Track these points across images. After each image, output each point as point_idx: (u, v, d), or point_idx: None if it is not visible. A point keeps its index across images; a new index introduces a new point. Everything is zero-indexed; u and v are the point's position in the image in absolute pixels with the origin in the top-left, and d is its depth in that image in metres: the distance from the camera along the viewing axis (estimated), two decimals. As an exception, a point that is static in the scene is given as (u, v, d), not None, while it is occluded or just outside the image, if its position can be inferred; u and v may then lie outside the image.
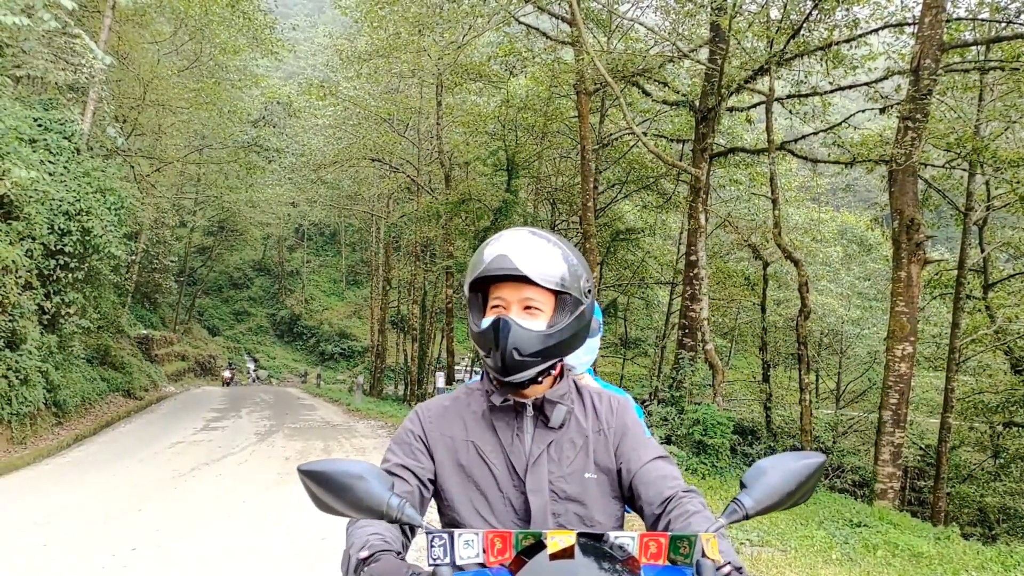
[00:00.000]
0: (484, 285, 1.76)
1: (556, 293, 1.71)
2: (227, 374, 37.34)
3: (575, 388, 1.86)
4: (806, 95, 16.78)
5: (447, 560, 1.36)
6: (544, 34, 19.89)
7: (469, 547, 1.38)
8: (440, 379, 17.81)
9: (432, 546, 1.37)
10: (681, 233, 27.68)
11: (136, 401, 21.19)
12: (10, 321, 12.37)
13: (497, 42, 22.50)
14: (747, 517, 1.50)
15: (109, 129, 15.55)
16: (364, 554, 1.47)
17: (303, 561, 6.23)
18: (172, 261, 41.34)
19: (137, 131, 26.92)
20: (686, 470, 12.85)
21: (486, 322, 1.70)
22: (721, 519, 1.48)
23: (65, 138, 14.57)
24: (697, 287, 15.77)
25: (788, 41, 14.74)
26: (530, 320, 1.69)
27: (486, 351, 1.71)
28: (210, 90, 26.02)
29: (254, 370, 45.92)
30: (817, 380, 32.36)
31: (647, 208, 27.82)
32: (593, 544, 1.44)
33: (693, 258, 15.99)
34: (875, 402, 22.88)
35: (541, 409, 1.77)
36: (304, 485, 1.46)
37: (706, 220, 16.61)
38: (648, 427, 1.98)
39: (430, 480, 1.76)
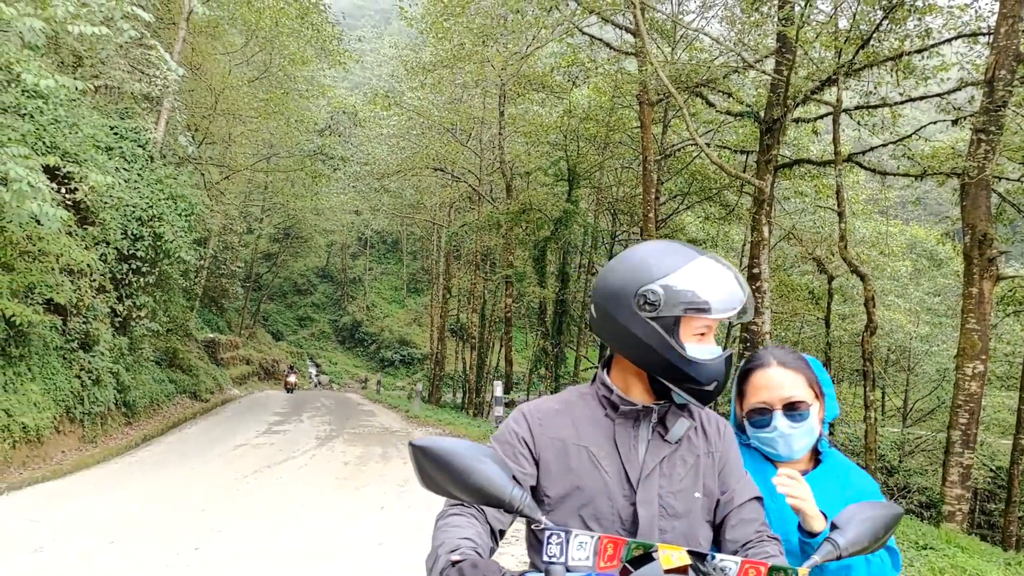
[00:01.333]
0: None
1: None
2: (291, 379, 34.46)
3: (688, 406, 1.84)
4: (875, 106, 16.39)
5: (562, 559, 1.36)
6: (608, 44, 19.86)
7: (582, 549, 1.37)
8: (498, 388, 17.80)
9: (548, 543, 1.36)
10: (744, 245, 27.30)
11: (202, 403, 21.68)
12: (84, 323, 12.79)
13: (560, 53, 22.53)
14: (840, 558, 1.54)
15: (180, 138, 16.00)
16: (456, 557, 1.43)
17: (361, 565, 6.29)
18: (239, 267, 42.26)
19: (208, 140, 27.64)
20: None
21: (711, 352, 1.70)
22: (816, 556, 1.52)
23: (139, 146, 15.03)
24: (759, 300, 15.51)
25: (857, 51, 14.44)
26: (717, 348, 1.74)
27: (707, 381, 1.69)
28: (278, 100, 26.59)
29: (316, 375, 46.61)
30: (883, 397, 31.53)
31: (709, 220, 27.51)
32: (700, 565, 1.44)
33: (756, 271, 15.74)
34: (944, 421, 22.16)
35: (663, 419, 1.76)
36: (415, 461, 1.43)
37: (769, 232, 16.34)
38: None
39: (531, 486, 1.73)
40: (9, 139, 8.62)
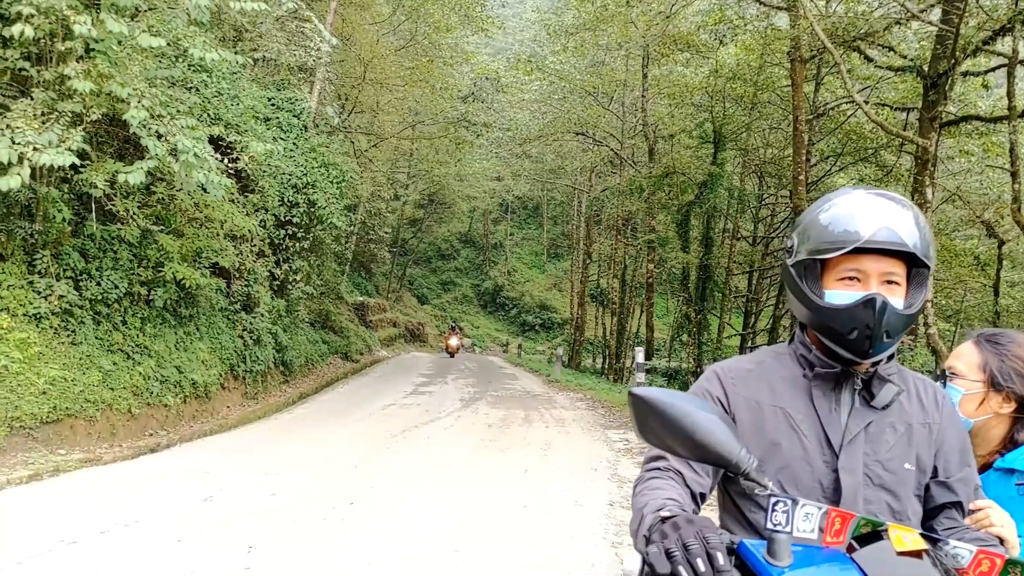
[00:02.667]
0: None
1: (911, 265, 1.58)
2: (453, 341, 31.71)
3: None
4: (1057, 56, 15.02)
5: (787, 528, 1.31)
6: (758, 0, 19.03)
7: (807, 520, 1.32)
8: (639, 354, 17.63)
9: (774, 510, 1.32)
10: (903, 208, 25.81)
11: (352, 364, 22.59)
12: (246, 286, 13.52)
13: (707, 10, 21.81)
14: None
15: (328, 108, 16.50)
16: (666, 513, 1.37)
17: (505, 526, 6.39)
18: (386, 232, 43.57)
19: (357, 109, 28.47)
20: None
21: (849, 297, 1.55)
22: None
23: (295, 116, 15.65)
24: (921, 267, 14.63)
25: (1039, -4, 13.24)
26: (892, 297, 1.55)
27: (846, 330, 1.55)
28: (424, 68, 27.07)
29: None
30: (1058, 372, 29.24)
31: (864, 181, 26.14)
32: (935, 550, 1.36)
33: (917, 236, 14.83)
34: None
35: (868, 384, 1.63)
36: (635, 410, 1.39)
37: (932, 194, 15.34)
38: None
39: None
40: (178, 111, 9.13)
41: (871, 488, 1.59)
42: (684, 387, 21.06)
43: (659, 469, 1.60)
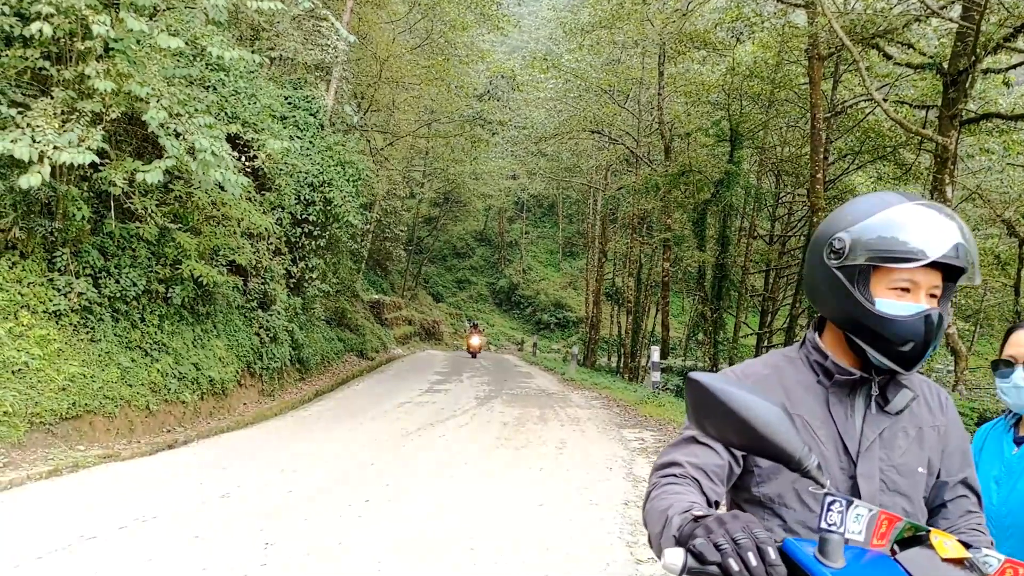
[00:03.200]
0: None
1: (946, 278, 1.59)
2: (476, 340, 30.24)
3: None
4: (1080, 53, 14.88)
5: (841, 528, 1.29)
6: (775, -3, 18.94)
7: (857, 521, 1.30)
8: (655, 353, 17.60)
9: (829, 510, 1.29)
10: (922, 207, 25.64)
11: (368, 361, 22.66)
12: (262, 284, 13.60)
13: (724, 8, 21.72)
14: None
15: (346, 107, 16.55)
16: (699, 513, 1.32)
17: (520, 524, 6.40)
18: (402, 231, 43.67)
19: (373, 107, 28.56)
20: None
21: (905, 308, 1.54)
22: None
23: (311, 114, 15.71)
24: (940, 267, 14.53)
25: (1061, -7, 13.11)
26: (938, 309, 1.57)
27: (901, 341, 1.55)
28: (439, 66, 27.10)
29: (475, 336, 47.73)
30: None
31: (882, 180, 25.97)
32: (972, 559, 1.36)
33: (936, 235, 14.72)
34: None
35: (884, 390, 1.64)
36: (692, 396, 1.36)
37: (952, 193, 15.22)
38: None
39: (743, 455, 1.65)
40: (196, 110, 9.18)
41: (887, 494, 1.60)
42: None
43: (675, 476, 1.57)
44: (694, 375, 1.34)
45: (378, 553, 5.45)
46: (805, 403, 1.65)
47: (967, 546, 1.35)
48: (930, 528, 1.34)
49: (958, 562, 1.29)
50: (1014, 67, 17.75)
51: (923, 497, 1.66)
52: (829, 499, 1.29)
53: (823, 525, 1.28)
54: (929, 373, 14.77)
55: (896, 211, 1.55)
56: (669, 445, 1.68)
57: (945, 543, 1.30)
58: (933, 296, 1.56)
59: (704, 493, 1.54)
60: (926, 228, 1.51)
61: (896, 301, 1.55)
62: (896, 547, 1.33)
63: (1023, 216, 21.63)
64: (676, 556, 1.25)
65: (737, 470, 1.64)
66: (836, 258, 1.59)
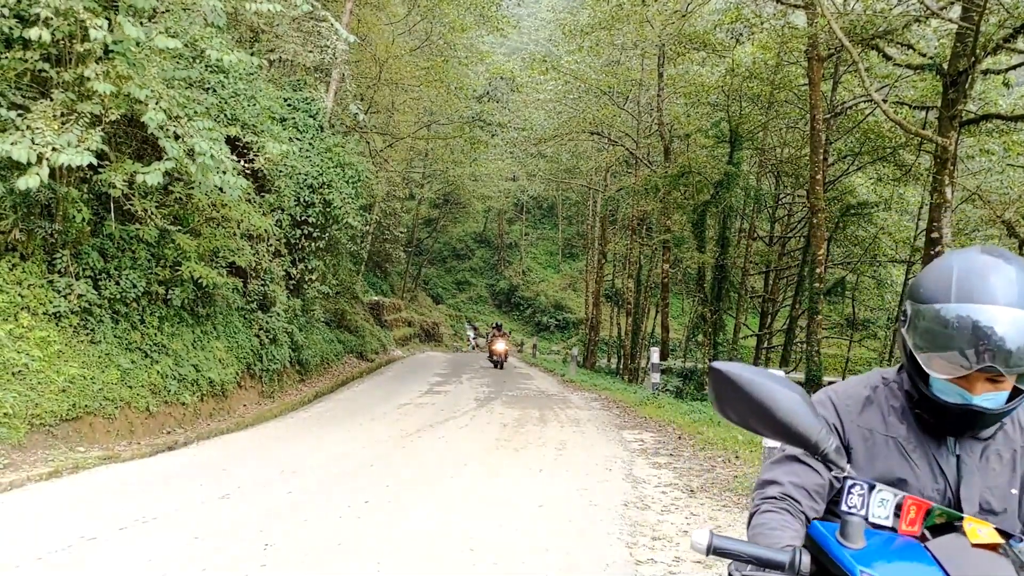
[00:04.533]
0: None
1: None
2: (500, 346, 25.57)
3: None
4: (1079, 54, 14.90)
5: (862, 512, 1.32)
6: (774, -2, 18.97)
7: (883, 506, 1.33)
8: (655, 354, 17.60)
9: (850, 493, 1.34)
10: (921, 208, 25.71)
11: (368, 363, 22.67)
12: (262, 285, 13.61)
13: (723, 9, 21.75)
14: None
15: (351, 106, 16.56)
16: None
17: (520, 525, 6.40)
18: (401, 232, 43.67)
19: (372, 109, 28.57)
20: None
21: (953, 394, 1.54)
22: None
23: (311, 116, 15.72)
24: (939, 267, 14.53)
25: (1060, -6, 13.12)
26: (995, 393, 1.54)
27: (946, 418, 1.59)
28: (439, 68, 27.11)
29: (474, 338, 47.71)
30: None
31: (882, 181, 26.01)
32: (1011, 546, 1.37)
33: (935, 235, 14.73)
34: None
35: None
36: (715, 385, 1.40)
37: (952, 194, 15.23)
38: None
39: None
40: (196, 112, 9.20)
41: (983, 515, 1.61)
42: (699, 388, 21.01)
43: (773, 499, 1.59)
44: (717, 364, 1.39)
45: (378, 554, 5.45)
46: (900, 427, 1.68)
47: (1006, 535, 1.36)
48: (964, 515, 1.34)
49: (992, 547, 1.30)
50: (1014, 68, 17.77)
51: (1018, 518, 1.67)
52: (850, 483, 1.32)
53: (844, 508, 1.32)
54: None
55: (948, 310, 1.49)
56: (770, 462, 1.70)
57: (979, 530, 1.32)
58: (995, 381, 1.52)
59: (803, 512, 1.57)
60: (974, 334, 1.45)
61: (949, 384, 1.54)
62: (928, 533, 1.35)
63: (1023, 217, 21.63)
64: (702, 536, 1.31)
65: (837, 486, 1.65)
66: (903, 323, 1.61)
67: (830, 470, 1.38)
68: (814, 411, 1.35)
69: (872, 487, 1.31)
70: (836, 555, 1.27)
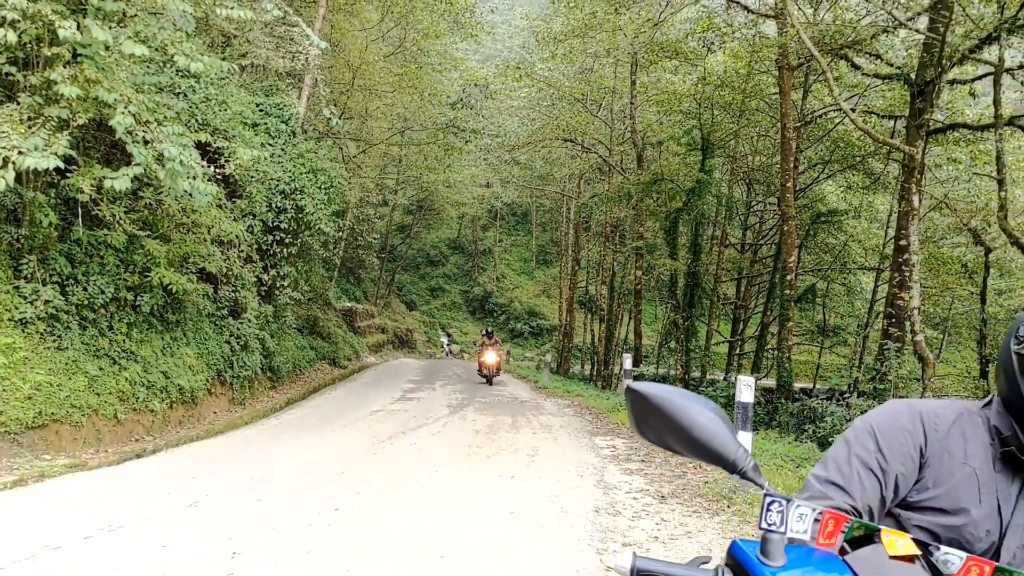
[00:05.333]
0: None
1: None
2: (491, 357, 22.97)
3: None
4: (1042, 65, 15.19)
5: (781, 528, 1.33)
6: (745, 7, 19.21)
7: (801, 521, 1.33)
8: (627, 361, 17.68)
9: (768, 510, 1.33)
10: (890, 216, 26.04)
11: (340, 369, 22.54)
12: (233, 291, 13.50)
13: (695, 18, 21.94)
14: None
15: (325, 110, 16.47)
16: None
17: (491, 532, 6.40)
18: (375, 238, 43.51)
19: (346, 115, 28.48)
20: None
21: None
22: None
23: (283, 122, 15.64)
24: (907, 274, 14.75)
25: (1022, 6, 13.38)
26: None
27: None
28: (413, 74, 27.10)
29: (447, 344, 47.63)
30: (1043, 379, 29.44)
31: (852, 189, 26.36)
32: (926, 557, 1.39)
33: (903, 243, 14.95)
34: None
35: None
36: (632, 406, 1.40)
37: (920, 202, 15.46)
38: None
39: (903, 485, 1.68)
40: (166, 117, 9.12)
41: (1016, 565, 1.62)
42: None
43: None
44: (632, 384, 1.39)
45: (348, 562, 5.43)
46: (978, 459, 1.68)
47: (923, 545, 1.38)
48: (881, 527, 1.36)
49: (908, 559, 1.32)
50: (980, 78, 18.10)
51: None
52: (768, 500, 1.32)
53: (763, 525, 1.32)
54: (898, 381, 14.94)
55: None
56: (804, 496, 1.71)
57: (896, 541, 1.32)
58: None
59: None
60: None
61: None
62: (847, 546, 1.36)
63: (989, 225, 21.99)
64: (625, 559, 1.31)
65: (895, 497, 1.68)
66: (1018, 343, 1.62)
67: (762, 487, 1.40)
68: (731, 429, 1.36)
69: (790, 501, 1.32)
70: (756, 573, 1.29)
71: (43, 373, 8.46)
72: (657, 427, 1.37)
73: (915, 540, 1.37)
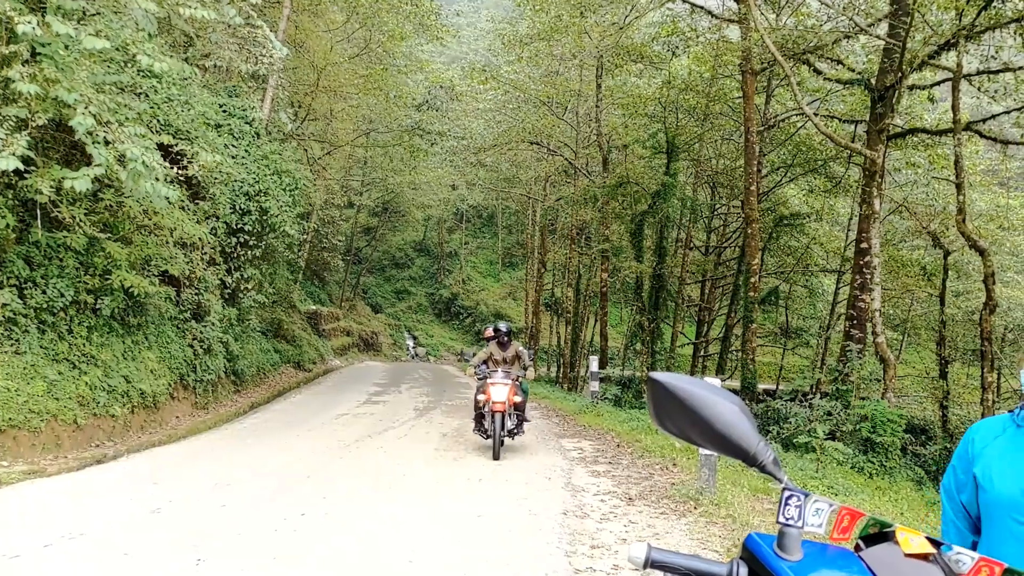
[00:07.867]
0: None
1: None
2: (498, 393, 11.99)
3: None
4: (997, 71, 15.54)
5: (799, 523, 1.33)
6: (709, 12, 19.40)
7: (817, 515, 1.35)
8: (594, 363, 17.74)
9: (787, 504, 1.34)
10: (851, 219, 26.45)
11: (305, 373, 22.35)
12: (196, 294, 13.31)
13: (660, 22, 22.11)
14: None
15: (281, 114, 16.37)
16: None
17: (459, 536, 6.38)
18: (340, 241, 43.22)
19: (310, 116, 28.27)
20: (851, 468, 12.26)
21: None
22: None
23: (246, 123, 15.47)
24: (868, 276, 14.98)
25: (979, 13, 13.66)
26: None
27: None
28: (378, 76, 26.98)
29: (413, 347, 47.43)
30: (998, 378, 30.08)
31: (814, 192, 26.75)
32: (941, 555, 1.40)
33: (864, 245, 15.20)
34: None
35: None
36: (653, 396, 1.39)
37: (880, 205, 15.71)
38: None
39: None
40: (127, 118, 8.97)
41: None
42: (637, 396, 21.21)
43: None
44: (655, 375, 1.38)
45: (314, 568, 5.37)
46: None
47: (936, 543, 1.40)
48: (896, 524, 1.37)
49: (923, 557, 1.33)
50: (939, 83, 18.44)
51: None
52: (787, 494, 1.33)
53: (781, 519, 1.33)
54: (860, 381, 15.17)
55: None
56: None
57: (911, 539, 1.33)
58: None
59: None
60: None
61: None
62: (862, 543, 1.38)
63: (947, 228, 22.40)
64: (640, 549, 1.31)
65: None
66: None
67: (781, 482, 1.40)
68: (752, 422, 1.37)
69: (808, 496, 1.33)
70: (774, 567, 1.29)
71: (0, 378, 8.28)
72: (678, 419, 1.37)
73: (929, 539, 1.38)
